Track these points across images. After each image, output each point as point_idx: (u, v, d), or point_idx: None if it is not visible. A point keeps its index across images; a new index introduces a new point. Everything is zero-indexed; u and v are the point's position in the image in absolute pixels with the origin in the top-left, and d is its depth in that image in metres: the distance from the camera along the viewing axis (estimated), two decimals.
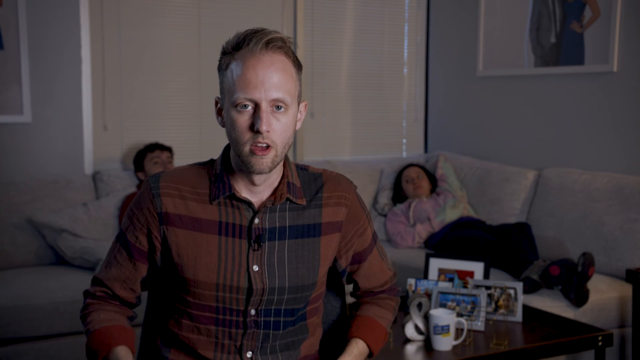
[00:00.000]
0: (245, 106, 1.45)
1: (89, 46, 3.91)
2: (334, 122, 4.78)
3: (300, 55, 4.56)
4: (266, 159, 1.46)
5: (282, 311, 1.57)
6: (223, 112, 1.52)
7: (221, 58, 1.50)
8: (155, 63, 4.16)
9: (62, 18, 3.83)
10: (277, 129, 1.46)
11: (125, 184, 3.83)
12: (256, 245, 1.53)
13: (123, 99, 4.07)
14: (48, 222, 3.52)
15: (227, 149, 1.58)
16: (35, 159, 3.83)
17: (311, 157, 4.68)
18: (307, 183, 1.61)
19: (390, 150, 4.97)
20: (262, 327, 1.56)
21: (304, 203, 1.58)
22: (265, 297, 1.54)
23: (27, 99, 3.76)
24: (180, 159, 4.11)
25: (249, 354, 1.57)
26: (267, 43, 1.45)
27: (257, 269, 1.53)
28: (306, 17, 4.60)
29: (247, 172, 1.50)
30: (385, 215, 4.31)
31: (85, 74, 3.90)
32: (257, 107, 1.45)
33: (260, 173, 1.48)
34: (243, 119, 1.45)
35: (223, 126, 1.53)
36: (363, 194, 4.45)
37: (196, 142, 4.31)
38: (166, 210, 1.53)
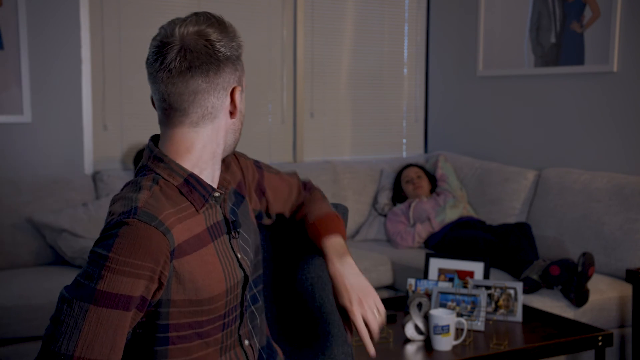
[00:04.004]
0: None
1: (89, 46, 3.91)
2: (334, 122, 4.78)
3: (300, 55, 4.57)
4: None
5: (252, 284, 1.58)
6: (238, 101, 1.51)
7: (240, 46, 1.50)
8: None
9: (62, 18, 3.83)
10: None
11: None
12: (235, 232, 1.51)
13: (123, 99, 4.07)
14: (48, 222, 3.52)
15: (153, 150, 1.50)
16: (35, 159, 3.82)
17: (311, 157, 4.68)
18: None
19: (390, 151, 4.97)
20: (249, 306, 1.57)
21: None
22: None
23: (27, 99, 3.76)
24: None
25: (246, 342, 1.57)
26: None
27: (240, 255, 1.52)
28: (306, 17, 4.60)
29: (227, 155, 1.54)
30: (385, 215, 4.31)
31: (85, 74, 3.90)
32: None
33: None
34: None
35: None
36: (363, 194, 4.45)
37: None
38: (178, 242, 1.38)
